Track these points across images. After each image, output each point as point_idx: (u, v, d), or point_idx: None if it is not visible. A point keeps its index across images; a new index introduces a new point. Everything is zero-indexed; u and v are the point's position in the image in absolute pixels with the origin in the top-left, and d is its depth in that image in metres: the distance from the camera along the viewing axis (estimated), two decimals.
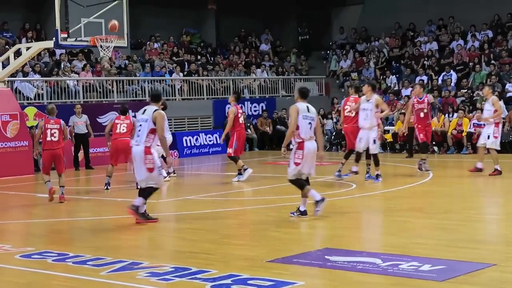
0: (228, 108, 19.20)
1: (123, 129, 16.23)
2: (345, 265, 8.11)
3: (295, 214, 11.56)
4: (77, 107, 22.04)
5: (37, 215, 13.67)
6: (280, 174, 18.54)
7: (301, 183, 11.47)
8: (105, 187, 16.26)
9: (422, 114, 17.52)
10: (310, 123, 11.44)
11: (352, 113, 16.62)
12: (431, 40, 31.37)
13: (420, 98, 17.67)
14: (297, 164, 11.37)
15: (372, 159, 16.24)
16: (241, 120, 17.44)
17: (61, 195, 14.31)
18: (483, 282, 7.29)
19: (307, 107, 11.53)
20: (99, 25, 18.48)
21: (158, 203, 14.60)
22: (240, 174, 17.15)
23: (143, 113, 11.61)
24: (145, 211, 11.61)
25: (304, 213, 11.48)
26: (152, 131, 11.43)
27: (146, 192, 11.56)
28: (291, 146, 11.54)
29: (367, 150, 16.32)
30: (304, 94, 11.75)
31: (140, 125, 11.58)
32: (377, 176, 16.12)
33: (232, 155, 17.13)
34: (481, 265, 7.90)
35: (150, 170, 11.41)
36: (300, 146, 11.38)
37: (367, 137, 16.12)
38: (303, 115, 11.40)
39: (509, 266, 7.95)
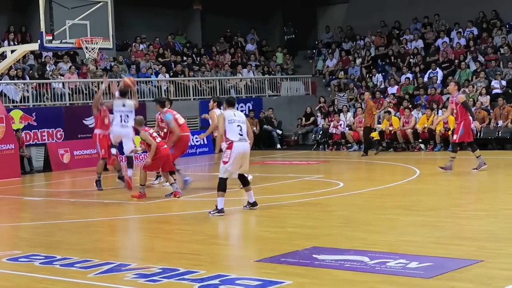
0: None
1: None
2: (333, 264, 8.12)
3: (247, 207, 12.27)
4: None
5: (24, 218, 13.61)
6: (267, 173, 18.63)
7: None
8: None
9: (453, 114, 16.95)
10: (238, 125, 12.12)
11: None
12: (417, 38, 31.46)
13: (453, 97, 17.07)
14: (225, 162, 11.94)
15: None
16: None
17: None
18: (471, 279, 7.31)
19: (234, 113, 12.23)
20: (84, 27, 18.42)
21: (145, 204, 14.58)
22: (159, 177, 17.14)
23: None
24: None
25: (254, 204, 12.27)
26: None
27: None
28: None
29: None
30: (231, 103, 12.55)
31: None
32: None
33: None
34: (468, 262, 7.93)
35: None
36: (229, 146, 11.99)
37: None
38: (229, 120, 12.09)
39: (496, 262, 7.97)
